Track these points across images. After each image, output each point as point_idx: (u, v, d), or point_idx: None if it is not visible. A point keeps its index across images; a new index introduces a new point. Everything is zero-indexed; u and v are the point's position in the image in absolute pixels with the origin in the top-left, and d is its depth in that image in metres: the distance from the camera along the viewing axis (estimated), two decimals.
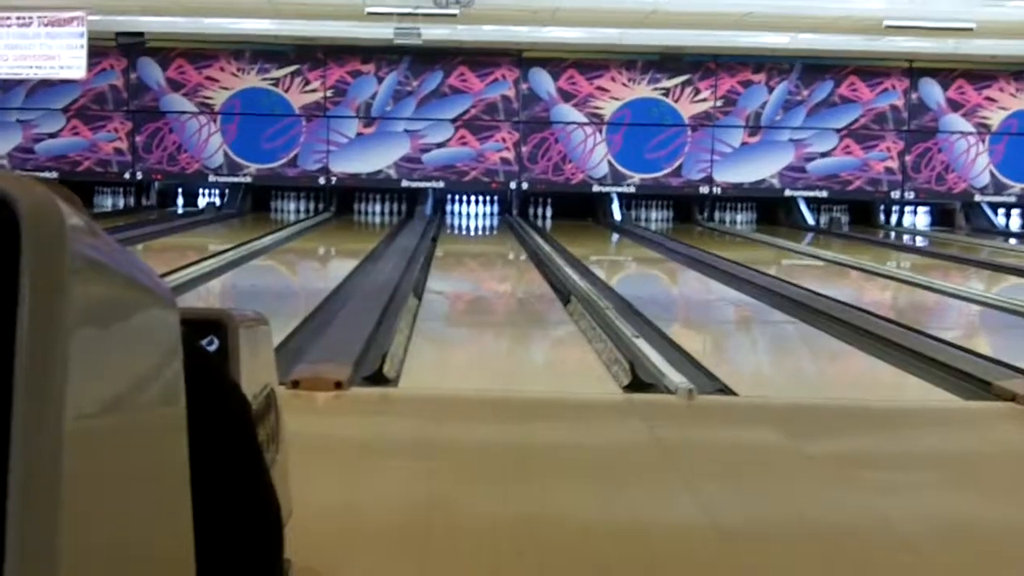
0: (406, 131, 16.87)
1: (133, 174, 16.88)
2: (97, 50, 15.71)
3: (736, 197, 17.48)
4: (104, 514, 0.80)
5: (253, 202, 17.08)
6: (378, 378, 5.06)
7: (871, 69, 17.07)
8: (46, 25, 13.82)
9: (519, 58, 16.82)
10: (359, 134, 16.88)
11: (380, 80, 16.87)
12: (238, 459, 1.33)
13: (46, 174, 16.72)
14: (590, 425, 4.46)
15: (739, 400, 5.05)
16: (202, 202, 17.51)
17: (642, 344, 6.02)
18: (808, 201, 17.50)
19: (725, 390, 5.19)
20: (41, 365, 0.71)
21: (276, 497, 1.43)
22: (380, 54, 16.61)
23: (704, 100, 17.10)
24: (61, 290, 0.73)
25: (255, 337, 2.26)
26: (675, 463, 3.93)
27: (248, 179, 16.96)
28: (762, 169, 17.20)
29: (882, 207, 17.93)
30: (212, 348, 2.00)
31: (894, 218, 18.08)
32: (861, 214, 17.79)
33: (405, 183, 16.90)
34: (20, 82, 16.29)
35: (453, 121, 16.89)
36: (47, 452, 0.70)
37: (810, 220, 17.39)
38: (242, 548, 1.30)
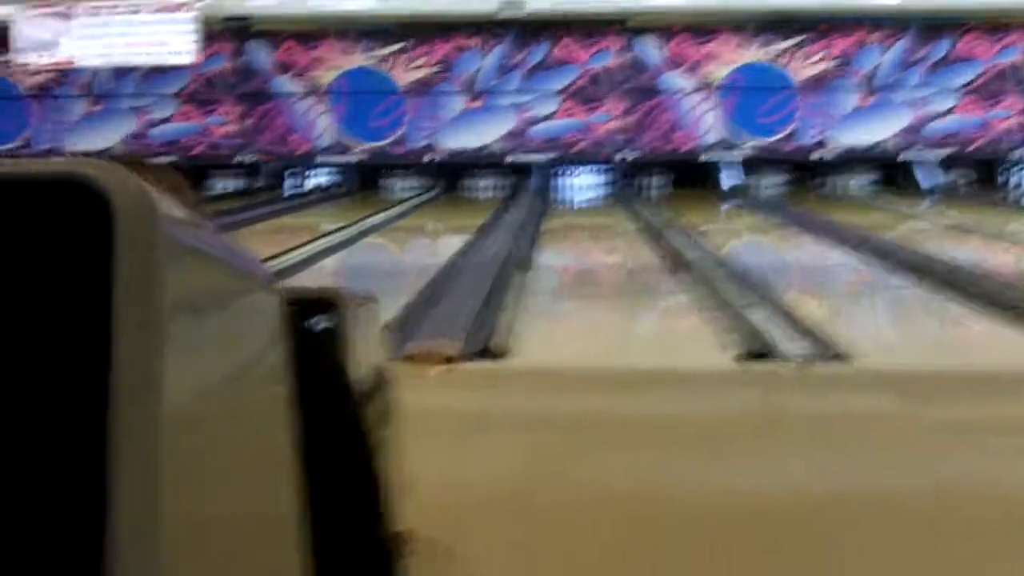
0: (512, 105, 16.82)
1: (244, 157, 17.16)
2: (207, 35, 16.00)
3: (851, 161, 17.08)
4: (206, 497, 0.80)
5: (362, 181, 17.23)
6: (488, 353, 5.06)
7: (990, 25, 16.49)
8: (156, 11, 14.11)
9: (625, 27, 16.63)
10: (465, 110, 16.90)
11: (485, 55, 16.85)
12: (344, 438, 1.32)
13: (160, 159, 17.11)
14: (702, 396, 4.40)
15: (856, 368, 4.93)
16: (312, 182, 17.73)
17: (755, 313, 5.92)
18: (927, 163, 17.02)
19: (841, 358, 5.08)
20: (137, 358, 0.71)
21: (382, 476, 1.43)
22: (485, 29, 16.58)
23: (817, 63, 16.71)
24: (155, 282, 0.73)
25: (365, 315, 2.27)
26: (789, 433, 3.85)
27: (356, 158, 17.12)
28: (878, 132, 16.76)
29: (1004, 168, 17.34)
30: (323, 327, 2.01)
31: (1017, 179, 17.47)
32: (983, 175, 17.23)
33: (512, 157, 16.88)
34: (132, 69, 16.67)
35: (559, 93, 16.79)
36: (146, 439, 0.70)
37: (929, 183, 16.92)
38: (350, 525, 1.30)
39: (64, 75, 17.00)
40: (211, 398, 0.83)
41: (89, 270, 0.72)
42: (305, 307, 1.54)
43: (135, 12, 14.11)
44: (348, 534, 1.26)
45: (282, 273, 7.99)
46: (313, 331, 1.42)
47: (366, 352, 2.22)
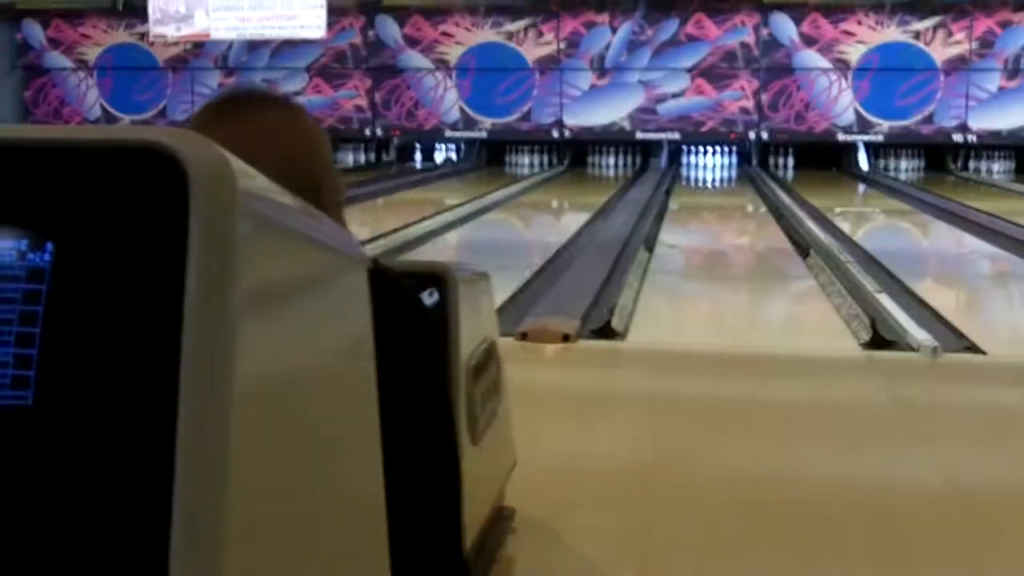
0: (640, 82, 16.67)
1: (373, 130, 17.35)
2: (336, 9, 16.20)
3: (993, 145, 16.49)
4: (280, 474, 0.79)
5: (488, 156, 17.29)
6: (607, 331, 5.00)
7: None
8: None
9: (759, 3, 16.32)
10: (592, 86, 16.80)
11: (614, 31, 16.71)
12: (429, 410, 1.30)
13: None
14: (826, 382, 4.29)
15: (988, 359, 4.75)
16: (439, 157, 17.85)
17: (885, 299, 5.75)
18: None
19: (973, 348, 4.90)
20: (209, 329, 0.70)
21: (457, 452, 1.40)
22: (614, 4, 16.45)
23: (958, 43, 16.17)
24: (230, 254, 0.72)
25: (475, 291, 2.26)
26: (915, 424, 3.72)
27: (483, 134, 17.17)
28: (1021, 115, 16.15)
29: None
30: (432, 301, 2.00)
31: None
32: None
33: (639, 135, 16.73)
34: (264, 42, 16.98)
35: (689, 70, 16.57)
36: (215, 413, 0.70)
37: None
38: (426, 498, 1.28)
39: (199, 47, 17.43)
40: (288, 374, 0.81)
41: (167, 240, 0.71)
42: (415, 281, 1.53)
43: None
44: (417, 510, 1.24)
45: (406, 247, 8.05)
46: (421, 305, 1.41)
47: (476, 327, 2.20)
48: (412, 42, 17.14)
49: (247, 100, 1.34)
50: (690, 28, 16.55)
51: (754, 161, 16.62)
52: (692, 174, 16.52)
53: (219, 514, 0.68)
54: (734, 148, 16.86)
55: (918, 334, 4.85)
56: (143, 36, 17.26)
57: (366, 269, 1.01)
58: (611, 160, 17.08)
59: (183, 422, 0.68)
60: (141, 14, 16.72)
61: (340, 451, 0.92)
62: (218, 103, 1.33)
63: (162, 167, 0.72)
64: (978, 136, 16.30)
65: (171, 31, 16.48)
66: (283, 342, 0.80)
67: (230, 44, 17.28)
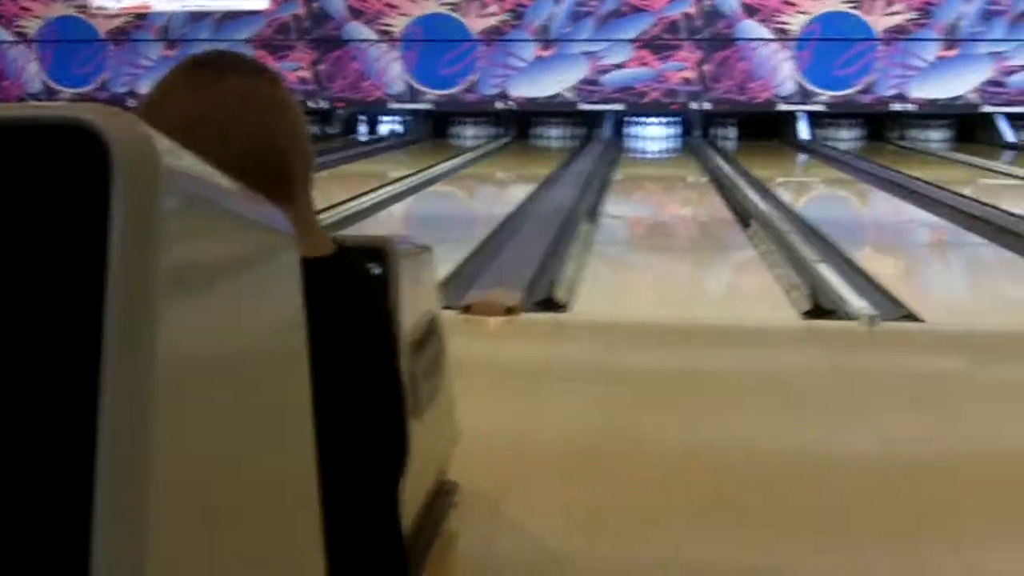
0: (584, 53, 16.66)
1: (317, 103, 17.22)
2: None
3: (931, 114, 16.68)
4: (209, 449, 0.79)
5: (433, 128, 17.23)
6: (550, 304, 5.03)
7: None
8: None
9: None
10: (537, 57, 16.77)
11: (557, 2, 16.68)
12: (377, 384, 1.31)
13: None
14: (767, 352, 4.35)
15: (926, 327, 4.83)
16: (384, 129, 17.76)
17: (824, 269, 5.83)
18: (1008, 117, 16.58)
19: (911, 317, 4.98)
20: (131, 310, 0.69)
21: (406, 425, 1.41)
22: None
23: (897, 12, 16.31)
24: (152, 232, 0.71)
25: (417, 264, 2.26)
26: (853, 392, 3.79)
27: (428, 105, 17.10)
28: (959, 84, 16.34)
29: None
30: (372, 274, 2.00)
31: None
32: None
33: (583, 106, 16.74)
34: (206, 14, 16.77)
35: (632, 41, 16.58)
36: (139, 389, 0.69)
37: (1010, 137, 16.49)
38: (367, 469, 1.28)
39: (141, 19, 17.17)
40: (214, 355, 0.80)
41: (88, 220, 0.70)
42: (357, 255, 1.53)
43: None
44: (356, 480, 1.24)
45: (351, 219, 8.02)
46: (362, 278, 1.41)
47: (418, 301, 2.21)
48: (357, 13, 17.00)
49: (218, 65, 1.30)
50: None
51: (697, 132, 16.70)
52: (636, 145, 16.57)
53: (143, 496, 0.68)
54: (677, 119, 16.93)
55: (857, 303, 4.93)
56: (83, 8, 16.98)
57: (295, 244, 1.00)
58: (555, 131, 17.08)
59: (105, 404, 0.68)
60: None
61: (270, 430, 0.91)
62: (189, 68, 1.30)
63: (83, 145, 0.70)
64: (916, 105, 16.48)
65: (112, 2, 16.23)
66: (209, 322, 0.79)
67: (172, 15, 17.05)
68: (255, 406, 0.88)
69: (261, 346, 0.91)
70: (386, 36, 16.96)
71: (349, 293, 1.29)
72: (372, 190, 9.75)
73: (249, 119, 1.25)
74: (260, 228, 0.95)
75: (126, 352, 0.68)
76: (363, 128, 17.86)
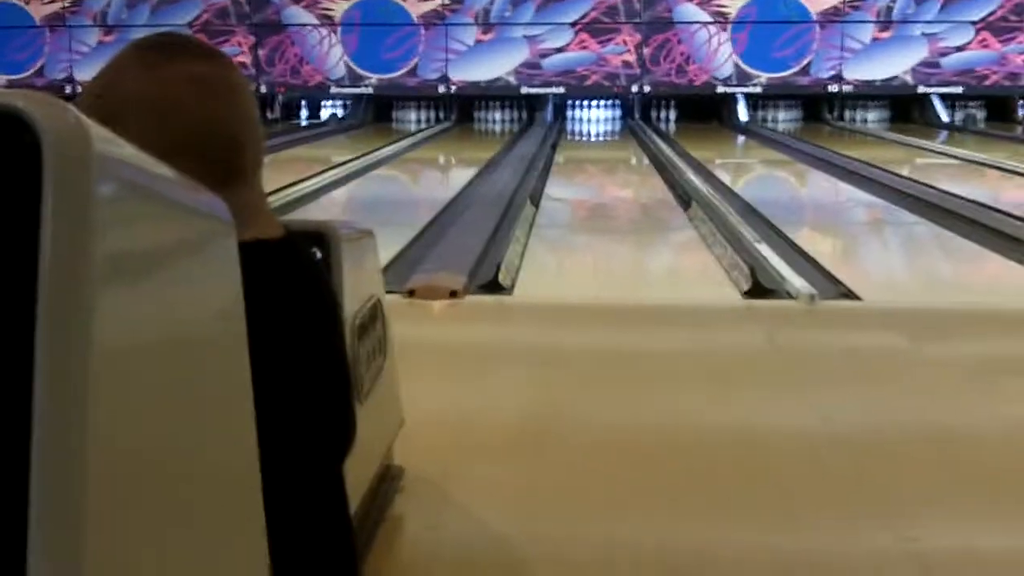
0: (525, 37, 16.66)
1: (258, 87, 17.06)
2: None
3: (867, 95, 16.90)
4: (146, 437, 0.78)
5: (375, 112, 17.15)
6: (494, 286, 5.04)
7: None
8: None
9: None
10: (478, 41, 16.75)
11: None
12: (322, 367, 1.31)
13: None
14: (708, 332, 4.39)
15: (863, 305, 4.91)
16: (325, 114, 17.66)
17: (764, 249, 5.90)
18: (943, 98, 16.83)
19: (849, 295, 5.06)
20: (65, 299, 0.69)
21: (352, 407, 1.42)
22: None
23: None
24: (86, 220, 0.70)
25: (360, 248, 2.26)
26: (792, 369, 3.85)
27: (369, 90, 17.02)
28: (894, 65, 16.56)
29: (1020, 102, 17.14)
30: (315, 259, 2.00)
31: None
32: (998, 110, 17.05)
33: (525, 89, 16.75)
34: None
35: (573, 25, 16.61)
36: (73, 378, 0.68)
37: (944, 117, 16.75)
38: (313, 451, 1.29)
39: (77, 5, 16.90)
40: (150, 342, 0.80)
41: (19, 209, 0.69)
42: (299, 240, 1.53)
43: None
44: (303, 460, 1.25)
45: (293, 204, 7.98)
46: (308, 261, 1.41)
47: (361, 285, 2.22)
48: None
49: (171, 48, 1.29)
50: None
51: (637, 114, 16.78)
52: (577, 128, 16.61)
53: (80, 487, 0.67)
54: (617, 102, 16.99)
55: (796, 282, 4.99)
56: None
57: (231, 229, 0.99)
58: (497, 115, 17.07)
59: (39, 394, 0.67)
60: None
61: (209, 417, 0.91)
62: (142, 49, 1.28)
63: (13, 133, 0.69)
64: (853, 86, 16.67)
65: None
66: (145, 310, 0.79)
67: (109, 1, 16.80)
68: (194, 394, 0.88)
69: (199, 333, 0.91)
70: (326, 20, 16.84)
71: (296, 275, 1.29)
72: (314, 175, 9.71)
73: (201, 102, 1.25)
74: (198, 215, 0.95)
75: (60, 341, 0.68)
76: (304, 113, 17.74)
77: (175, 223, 0.89)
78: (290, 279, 1.27)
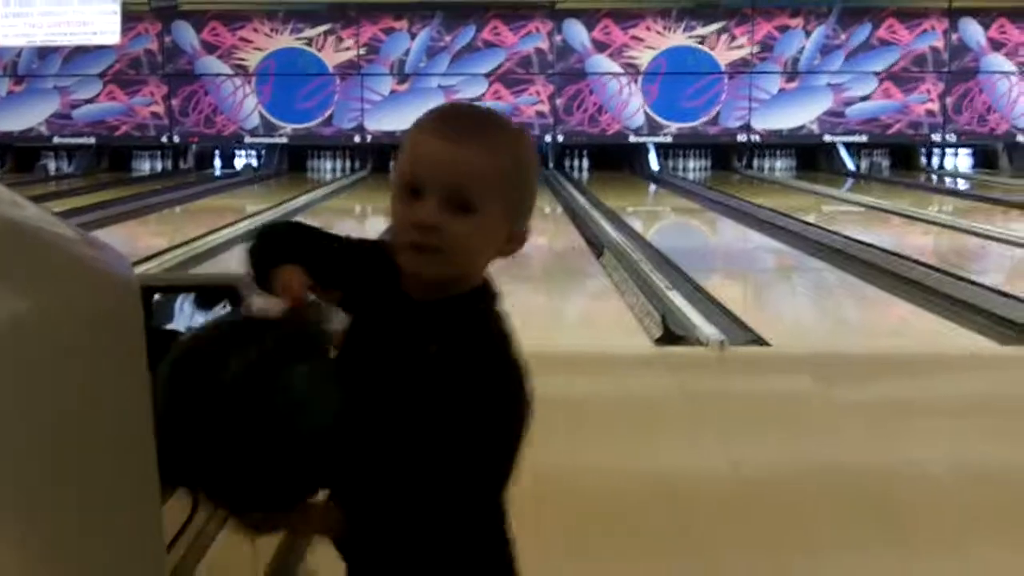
0: (440, 87, 16.79)
1: (170, 137, 16.94)
2: (131, 15, 15.75)
3: (775, 144, 17.28)
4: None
5: (289, 162, 17.10)
6: None
7: (909, 10, 16.76)
8: None
9: (552, 10, 16.66)
10: (393, 91, 16.83)
11: (413, 36, 16.79)
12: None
13: (84, 139, 16.85)
14: (621, 378, 4.44)
15: (772, 350, 5.00)
16: (239, 163, 17.56)
17: (675, 296, 5.99)
18: (848, 146, 17.27)
19: (759, 341, 5.15)
20: None
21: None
22: (412, 10, 16.51)
23: (740, 47, 16.88)
24: None
25: (271, 300, 2.25)
26: (703, 415, 3.91)
27: (284, 139, 16.99)
28: (801, 115, 16.98)
29: (923, 150, 17.66)
30: (224, 312, 2.00)
31: (935, 161, 17.81)
32: (902, 158, 17.53)
33: None
34: (56, 49, 16.38)
35: (487, 75, 16.78)
36: None
37: (850, 165, 17.17)
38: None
39: None
40: (26, 394, 0.81)
41: None
42: (207, 293, 1.53)
43: None
44: None
45: (206, 255, 7.92)
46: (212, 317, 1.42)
47: None
48: (210, 47, 16.81)
49: (476, 119, 1.32)
50: (487, 34, 16.76)
51: (551, 163, 16.95)
52: None
53: None
54: None
55: (707, 329, 5.08)
56: None
57: (132, 278, 1.01)
58: None
59: None
60: None
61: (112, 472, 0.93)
62: (447, 118, 1.32)
63: None
64: (761, 135, 17.04)
65: None
66: (27, 355, 0.80)
67: (20, 51, 16.59)
68: (93, 435, 0.90)
69: (98, 395, 0.92)
70: (241, 70, 16.80)
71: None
72: (228, 224, 9.64)
73: (506, 166, 1.30)
74: (96, 271, 0.97)
75: None
76: (218, 163, 17.63)
77: (71, 279, 0.91)
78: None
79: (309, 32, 16.75)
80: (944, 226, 10.45)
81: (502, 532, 1.41)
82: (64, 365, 0.84)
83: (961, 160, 17.81)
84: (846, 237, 8.80)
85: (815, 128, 17.04)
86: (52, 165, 17.16)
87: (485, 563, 1.38)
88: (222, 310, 1.96)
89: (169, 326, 2.02)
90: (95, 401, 0.89)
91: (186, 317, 2.03)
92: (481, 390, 1.25)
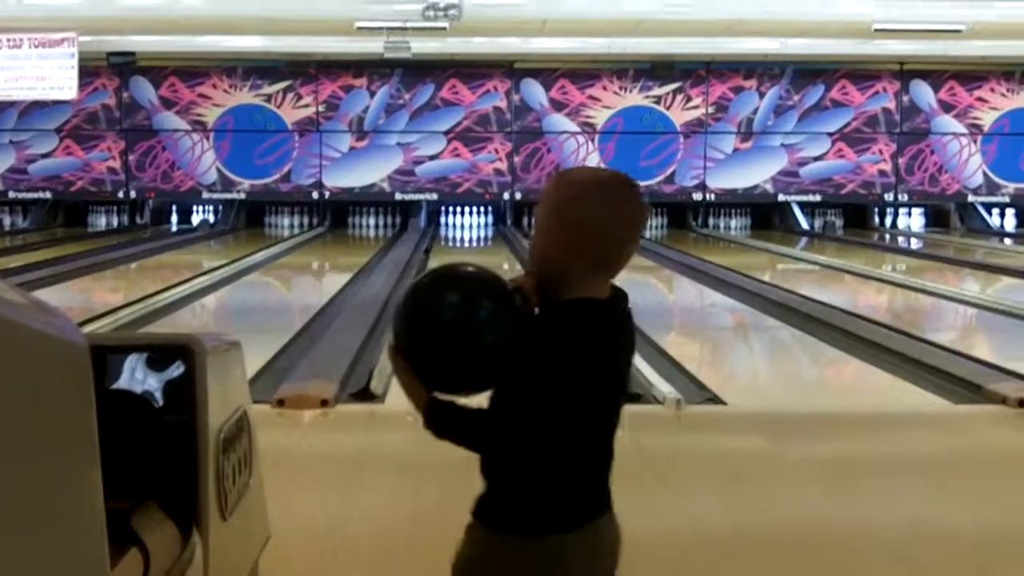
0: (399, 144, 16.87)
1: (127, 193, 16.88)
2: (89, 70, 15.71)
3: (730, 203, 17.48)
4: None
5: (247, 218, 17.08)
6: (365, 395, 5.03)
7: (862, 72, 17.08)
8: (37, 46, 13.83)
9: (510, 69, 16.83)
10: (352, 148, 16.89)
11: (372, 94, 16.88)
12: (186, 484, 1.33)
13: (39, 194, 16.75)
14: None
15: (728, 409, 5.03)
16: (196, 219, 17.51)
17: None
18: (802, 205, 17.50)
19: (714, 399, 5.17)
20: None
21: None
22: (371, 68, 16.62)
23: (696, 107, 17.11)
24: None
25: (225, 360, 2.25)
26: (660, 474, 3.91)
27: (242, 195, 16.98)
28: (755, 175, 17.20)
29: (876, 210, 17.92)
30: (178, 373, 2.00)
31: (888, 220, 18.08)
32: (855, 217, 17.79)
33: (399, 196, 16.91)
34: (12, 103, 16.31)
35: (446, 133, 16.89)
36: None
37: (804, 224, 17.39)
38: None
39: None
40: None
41: None
42: (161, 353, 1.53)
43: (16, 47, 13.79)
44: None
45: (161, 312, 7.87)
46: (165, 377, 1.43)
47: (226, 398, 2.21)
48: (168, 103, 16.82)
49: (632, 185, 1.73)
50: (445, 93, 16.89)
51: (509, 220, 17.03)
52: (450, 233, 16.77)
53: None
54: (489, 208, 17.25)
55: (662, 387, 5.09)
56: None
57: (83, 345, 1.03)
58: (371, 220, 17.16)
59: None
60: None
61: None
62: (620, 185, 1.72)
63: None
64: (716, 194, 17.24)
65: None
66: None
67: None
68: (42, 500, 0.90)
69: (40, 444, 0.93)
70: (199, 126, 16.81)
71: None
72: (184, 281, 9.59)
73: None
74: (44, 336, 0.98)
75: None
76: (175, 218, 17.57)
77: (20, 343, 0.92)
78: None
79: (268, 89, 16.81)
80: (897, 285, 10.59)
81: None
82: (9, 425, 0.84)
83: (914, 220, 18.09)
84: (801, 295, 8.88)
85: (769, 188, 17.26)
86: (7, 220, 17.03)
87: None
88: (176, 370, 1.95)
89: (121, 385, 2.01)
90: (38, 460, 0.89)
91: (138, 379, 2.02)
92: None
